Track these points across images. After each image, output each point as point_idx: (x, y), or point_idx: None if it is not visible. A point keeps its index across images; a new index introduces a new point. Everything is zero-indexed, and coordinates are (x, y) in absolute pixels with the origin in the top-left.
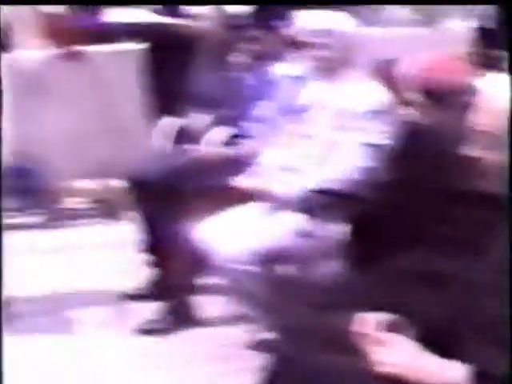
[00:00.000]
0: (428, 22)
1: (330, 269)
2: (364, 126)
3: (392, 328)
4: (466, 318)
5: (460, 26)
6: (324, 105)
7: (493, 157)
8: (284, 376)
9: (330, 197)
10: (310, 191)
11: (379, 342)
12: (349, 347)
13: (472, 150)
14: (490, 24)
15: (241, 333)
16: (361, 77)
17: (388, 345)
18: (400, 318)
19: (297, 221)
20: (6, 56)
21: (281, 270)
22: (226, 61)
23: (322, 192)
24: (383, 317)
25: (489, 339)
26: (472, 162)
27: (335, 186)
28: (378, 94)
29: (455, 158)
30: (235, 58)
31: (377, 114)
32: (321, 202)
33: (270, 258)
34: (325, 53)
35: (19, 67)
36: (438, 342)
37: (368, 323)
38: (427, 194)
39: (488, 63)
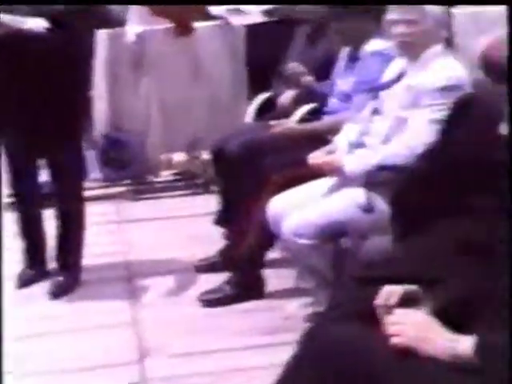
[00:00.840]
0: None
1: (383, 243)
2: (436, 102)
3: (409, 300)
4: (492, 291)
5: None
6: (402, 81)
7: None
8: (309, 347)
9: (393, 172)
10: (375, 167)
11: (394, 314)
12: (375, 320)
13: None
14: None
15: (299, 306)
16: (441, 53)
17: (401, 317)
18: (419, 290)
19: (360, 196)
20: (106, 32)
21: (339, 244)
22: (319, 38)
23: (386, 168)
24: (401, 289)
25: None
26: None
27: (399, 162)
28: (455, 71)
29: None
30: (328, 35)
31: (451, 90)
32: (383, 178)
33: (330, 232)
34: (414, 29)
35: (122, 42)
36: (457, 316)
37: (387, 295)
38: (471, 164)
39: None
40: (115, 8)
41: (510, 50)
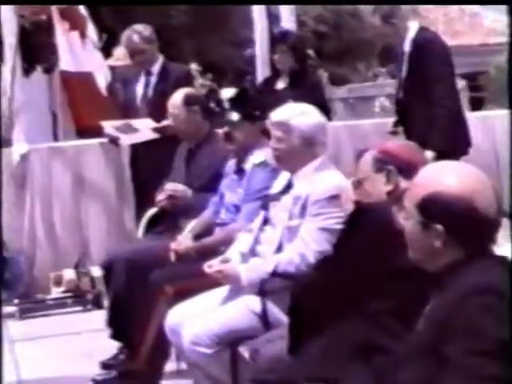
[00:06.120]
0: None
1: (280, 349)
2: (322, 211)
3: None
4: None
5: None
6: (288, 192)
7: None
8: None
9: (286, 280)
10: (269, 275)
11: None
12: None
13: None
14: None
15: None
16: (321, 166)
17: None
18: None
19: (256, 303)
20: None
21: (237, 351)
22: (200, 153)
23: (279, 276)
24: None
25: None
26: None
27: (291, 270)
28: (337, 181)
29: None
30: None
31: (336, 199)
32: (277, 286)
33: (228, 340)
34: (282, 145)
35: (7, 162)
36: None
37: None
38: (368, 269)
39: None
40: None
41: (511, 49)
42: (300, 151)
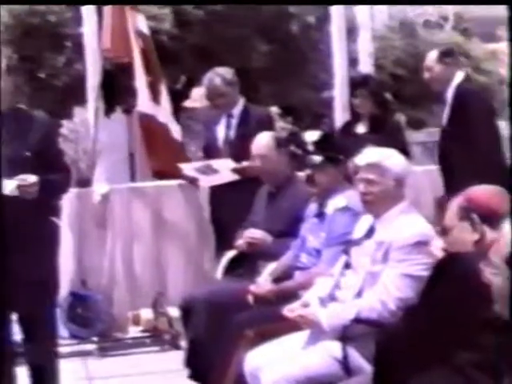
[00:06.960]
0: None
1: None
2: (406, 257)
3: None
4: None
5: None
6: (371, 237)
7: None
8: None
9: (366, 326)
10: (351, 321)
11: None
12: None
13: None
14: None
15: None
16: (406, 210)
17: None
18: None
19: (336, 349)
20: (74, 191)
21: None
22: (281, 196)
23: (360, 322)
24: None
25: None
26: (489, 287)
27: (373, 316)
28: (423, 227)
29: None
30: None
31: (421, 245)
32: (359, 332)
33: None
34: (375, 188)
35: (88, 201)
36: None
37: None
38: (455, 319)
39: None
40: (83, 168)
41: (511, 49)
42: (392, 194)
